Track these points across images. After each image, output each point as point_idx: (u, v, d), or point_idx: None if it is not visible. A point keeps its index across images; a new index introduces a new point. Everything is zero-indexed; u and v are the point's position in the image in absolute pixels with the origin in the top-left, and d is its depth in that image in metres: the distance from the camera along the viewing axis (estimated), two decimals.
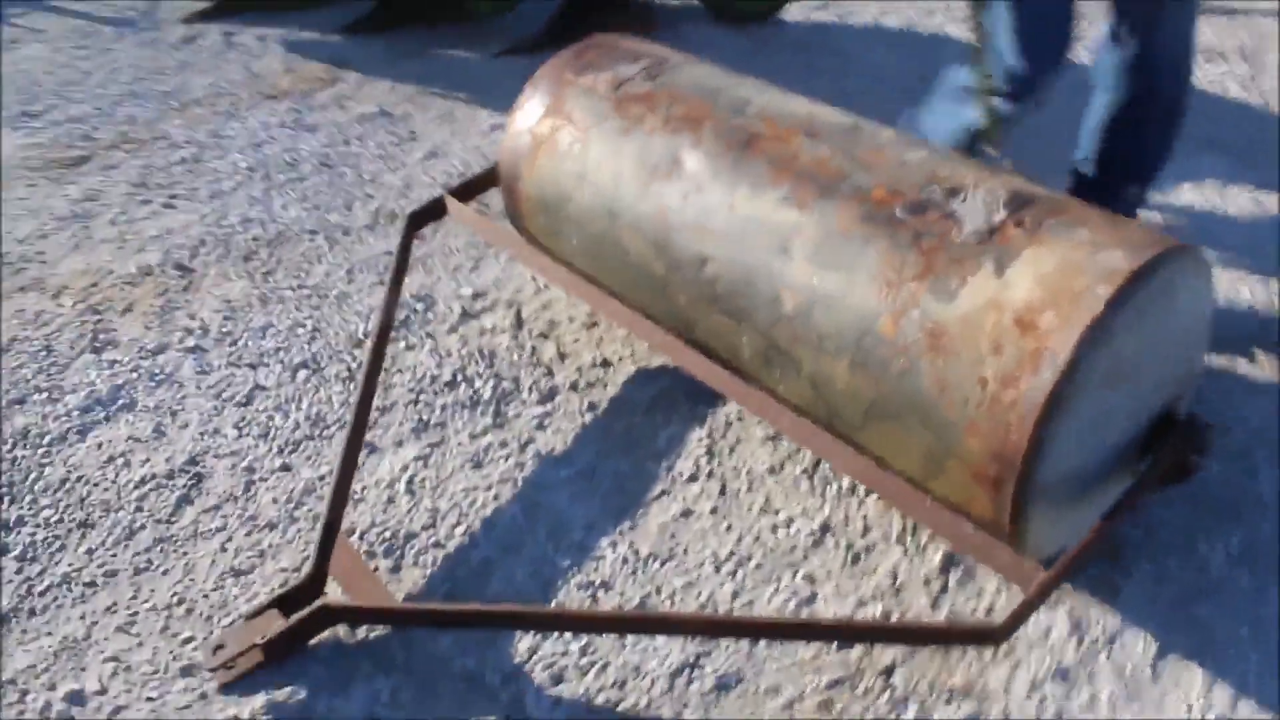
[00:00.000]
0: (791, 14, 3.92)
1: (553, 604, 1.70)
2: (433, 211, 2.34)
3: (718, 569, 1.76)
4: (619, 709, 1.54)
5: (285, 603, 1.62)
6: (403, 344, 2.28)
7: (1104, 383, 1.43)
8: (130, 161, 3.00)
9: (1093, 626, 1.66)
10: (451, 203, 2.31)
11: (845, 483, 1.90)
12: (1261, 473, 1.90)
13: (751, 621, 1.55)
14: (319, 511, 1.82)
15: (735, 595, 1.72)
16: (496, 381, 2.16)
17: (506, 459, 1.98)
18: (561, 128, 2.08)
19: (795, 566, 1.76)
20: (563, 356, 2.23)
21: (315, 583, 1.65)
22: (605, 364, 2.19)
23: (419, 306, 2.39)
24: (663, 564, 1.77)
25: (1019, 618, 1.41)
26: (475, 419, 2.07)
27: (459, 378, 2.17)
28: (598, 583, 1.74)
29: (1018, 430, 1.43)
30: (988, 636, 1.42)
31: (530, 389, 2.14)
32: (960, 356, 1.49)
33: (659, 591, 1.72)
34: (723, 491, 1.91)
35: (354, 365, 2.21)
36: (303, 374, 2.19)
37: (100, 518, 1.85)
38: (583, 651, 1.63)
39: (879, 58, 3.57)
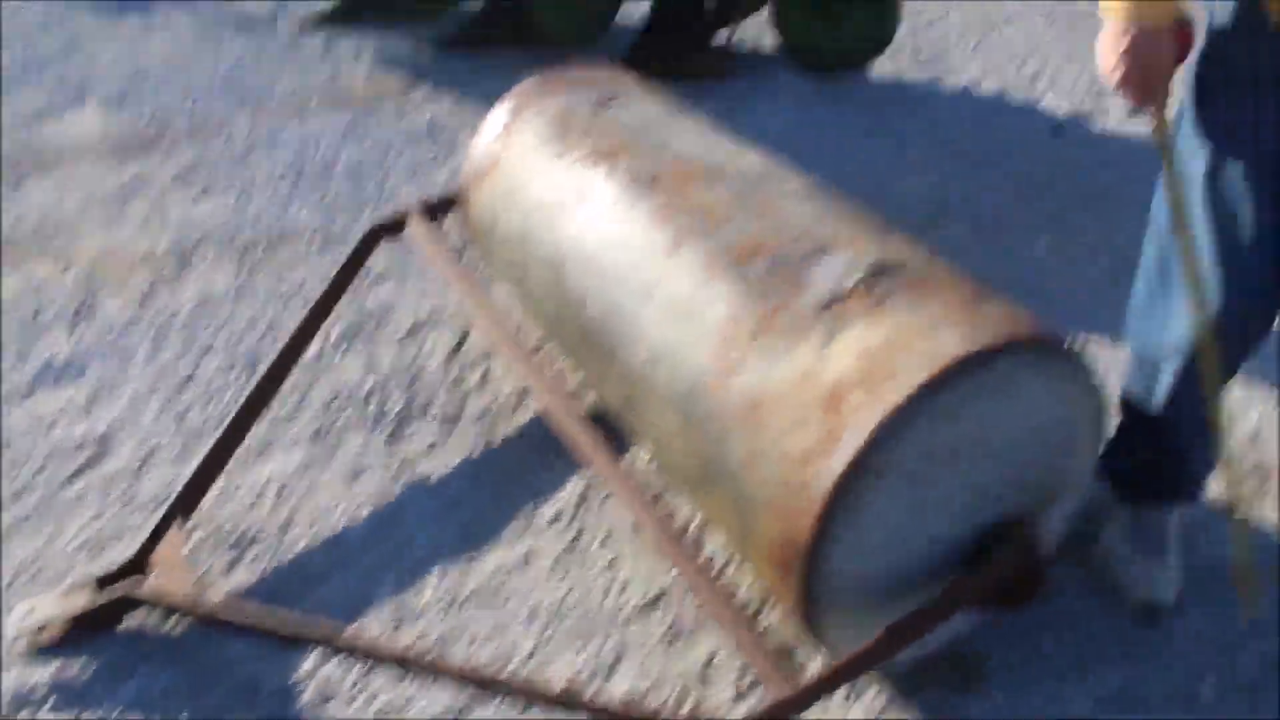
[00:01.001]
0: (883, 67, 3.79)
1: (354, 625, 1.70)
2: (395, 226, 2.40)
3: (531, 620, 1.72)
4: None
5: (103, 582, 1.70)
6: (340, 352, 2.34)
7: (911, 475, 1.31)
8: (187, 152, 3.24)
9: None
10: (413, 219, 2.37)
11: (710, 553, 1.82)
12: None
13: (491, 679, 1.48)
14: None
15: (533, 652, 1.67)
16: (408, 402, 2.19)
17: (382, 479, 2.00)
18: (504, 152, 2.10)
19: (610, 633, 1.70)
20: (484, 384, 2.24)
21: (135, 567, 1.72)
22: (523, 396, 2.18)
23: (375, 319, 2.46)
24: (479, 606, 1.75)
25: None
26: (371, 435, 2.11)
27: (374, 393, 2.22)
28: (409, 613, 1.74)
29: (806, 514, 1.34)
30: None
31: (435, 413, 2.16)
32: (769, 429, 1.41)
33: (462, 633, 1.70)
34: (575, 541, 1.86)
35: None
36: (237, 370, 2.29)
37: (3, 473, 1.99)
38: (359, 679, 1.62)
39: (957, 128, 3.38)
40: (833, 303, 1.44)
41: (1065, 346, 1.37)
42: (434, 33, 4.01)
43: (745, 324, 1.49)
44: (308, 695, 1.60)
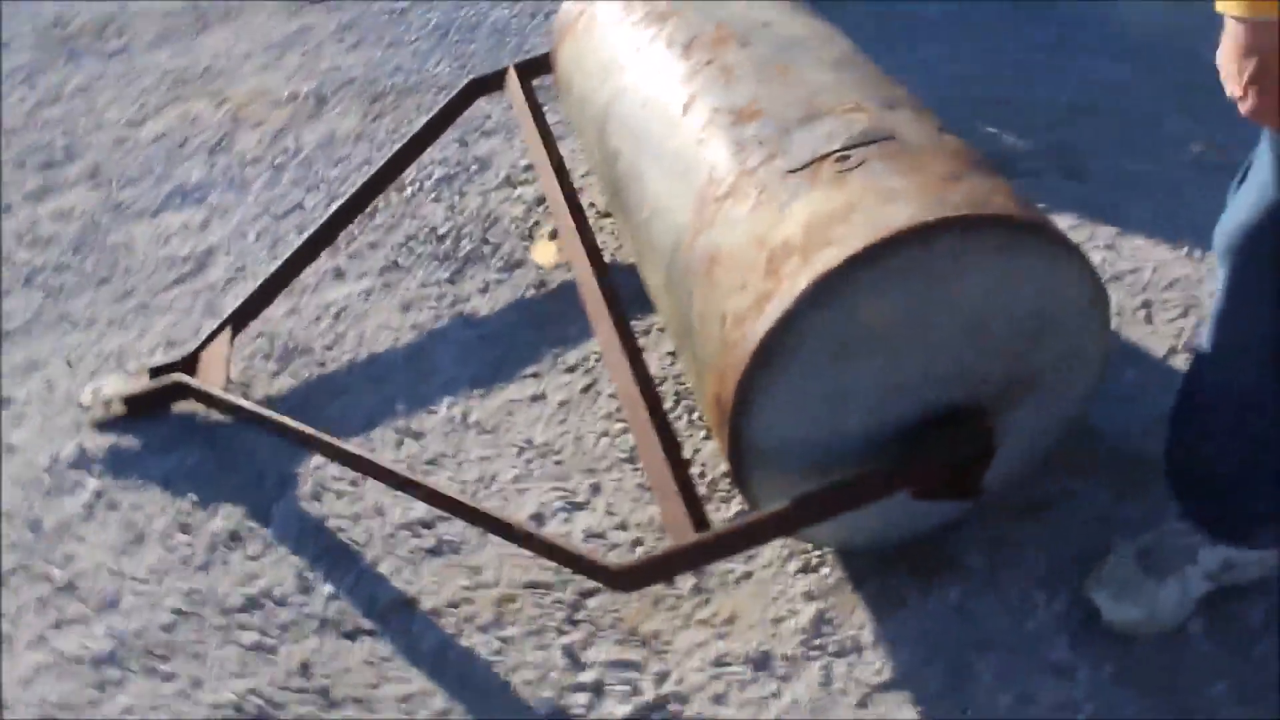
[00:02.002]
0: None
1: (360, 437, 1.84)
2: (493, 82, 2.47)
3: (520, 453, 1.80)
4: (339, 537, 1.67)
5: (155, 371, 1.92)
6: (432, 195, 2.47)
7: (841, 345, 1.26)
8: (352, 6, 3.43)
9: (838, 630, 1.49)
10: (511, 76, 2.43)
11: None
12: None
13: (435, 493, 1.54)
14: (264, 315, 2.09)
15: (514, 479, 1.75)
16: (479, 245, 2.29)
17: (433, 310, 2.12)
18: (583, 13, 2.12)
19: (591, 477, 1.75)
20: (553, 236, 2.30)
21: (188, 362, 1.93)
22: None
23: (474, 167, 2.56)
24: (479, 433, 1.84)
25: (644, 572, 1.33)
26: (435, 271, 2.23)
27: (450, 235, 2.33)
28: (413, 430, 1.85)
29: (733, 372, 1.33)
30: (607, 577, 1.35)
31: (500, 258, 2.24)
32: (719, 288, 1.39)
33: (454, 455, 1.80)
34: (586, 390, 1.91)
35: (383, 206, 2.43)
36: (338, 204, 2.46)
37: (117, 276, 2.27)
38: (352, 483, 1.76)
39: (1131, 23, 3.02)
40: (804, 168, 1.38)
41: (1038, 231, 1.24)
42: None
43: (723, 184, 1.45)
44: (304, 488, 1.75)
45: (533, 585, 1.58)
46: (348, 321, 2.12)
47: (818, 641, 1.47)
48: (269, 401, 1.94)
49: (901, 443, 1.34)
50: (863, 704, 1.39)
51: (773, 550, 1.59)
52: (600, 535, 1.65)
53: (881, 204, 1.26)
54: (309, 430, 1.64)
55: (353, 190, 2.18)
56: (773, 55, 1.64)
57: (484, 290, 2.17)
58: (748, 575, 1.57)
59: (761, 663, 1.45)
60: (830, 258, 1.22)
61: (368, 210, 2.40)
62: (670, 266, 1.53)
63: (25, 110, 2.97)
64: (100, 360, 2.07)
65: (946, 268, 1.24)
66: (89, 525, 1.73)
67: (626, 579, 1.34)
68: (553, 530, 1.66)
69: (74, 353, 2.09)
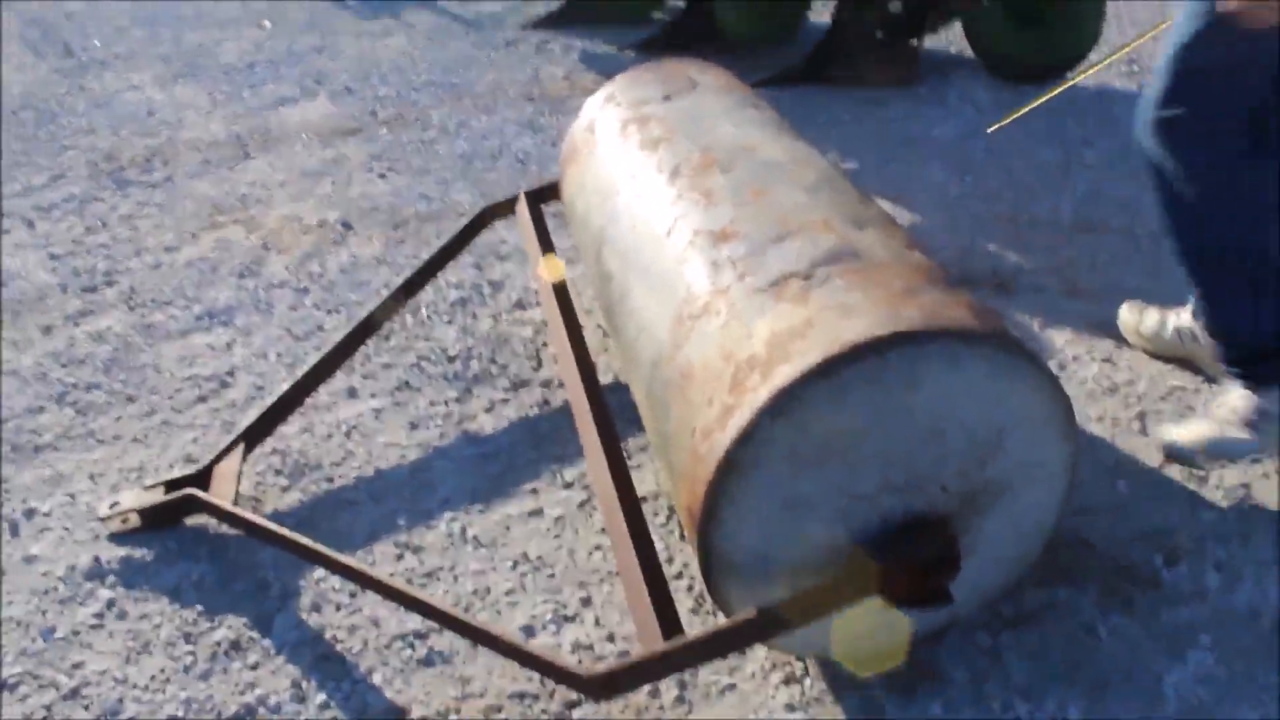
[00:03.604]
0: (1106, 76, 3.61)
1: (361, 550, 1.94)
2: (506, 207, 2.65)
3: (515, 566, 1.89)
4: (336, 647, 1.76)
5: (170, 486, 2.06)
6: (446, 317, 2.62)
7: (801, 456, 1.35)
8: (385, 137, 3.69)
9: None
10: (520, 202, 2.61)
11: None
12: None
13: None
14: (279, 431, 2.23)
15: (509, 592, 1.84)
16: (487, 365, 2.43)
17: (438, 429, 2.25)
18: (587, 140, 2.30)
19: (582, 590, 1.83)
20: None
21: (201, 476, 2.06)
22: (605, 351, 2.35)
23: (488, 290, 2.73)
24: (475, 548, 1.94)
25: (614, 679, 1.40)
26: (444, 391, 2.36)
27: (460, 356, 2.47)
28: (413, 545, 1.96)
29: (700, 484, 1.42)
30: (579, 684, 1.42)
31: (507, 378, 2.38)
32: (692, 402, 1.50)
33: (451, 569, 1.90)
34: (582, 505, 2.01)
35: (398, 328, 2.59)
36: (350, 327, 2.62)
37: (144, 394, 2.43)
38: (351, 595, 1.86)
39: None
40: (773, 285, 1.50)
41: (989, 342, 1.34)
42: (637, 36, 4.27)
43: (697, 301, 1.57)
44: (304, 600, 1.85)
45: (520, 695, 1.64)
46: (357, 439, 2.24)
47: None
48: (277, 515, 2.05)
49: (867, 550, 1.41)
50: None
51: (756, 661, 1.65)
52: (588, 647, 1.72)
53: (838, 319, 1.37)
54: (311, 545, 1.75)
55: (367, 313, 2.33)
56: (751, 179, 1.78)
57: (489, 409, 2.29)
58: (731, 686, 1.62)
59: None
60: (787, 373, 1.33)
61: (382, 333, 2.55)
62: (651, 381, 1.64)
63: (73, 237, 3.21)
64: (121, 475, 2.21)
65: (900, 379, 1.33)
66: (98, 634, 1.84)
67: (598, 686, 1.40)
68: (542, 641, 1.73)
69: (96, 468, 2.23)
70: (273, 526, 1.82)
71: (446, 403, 2.32)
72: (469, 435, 2.22)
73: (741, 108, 2.10)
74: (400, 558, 1.94)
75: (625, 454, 1.89)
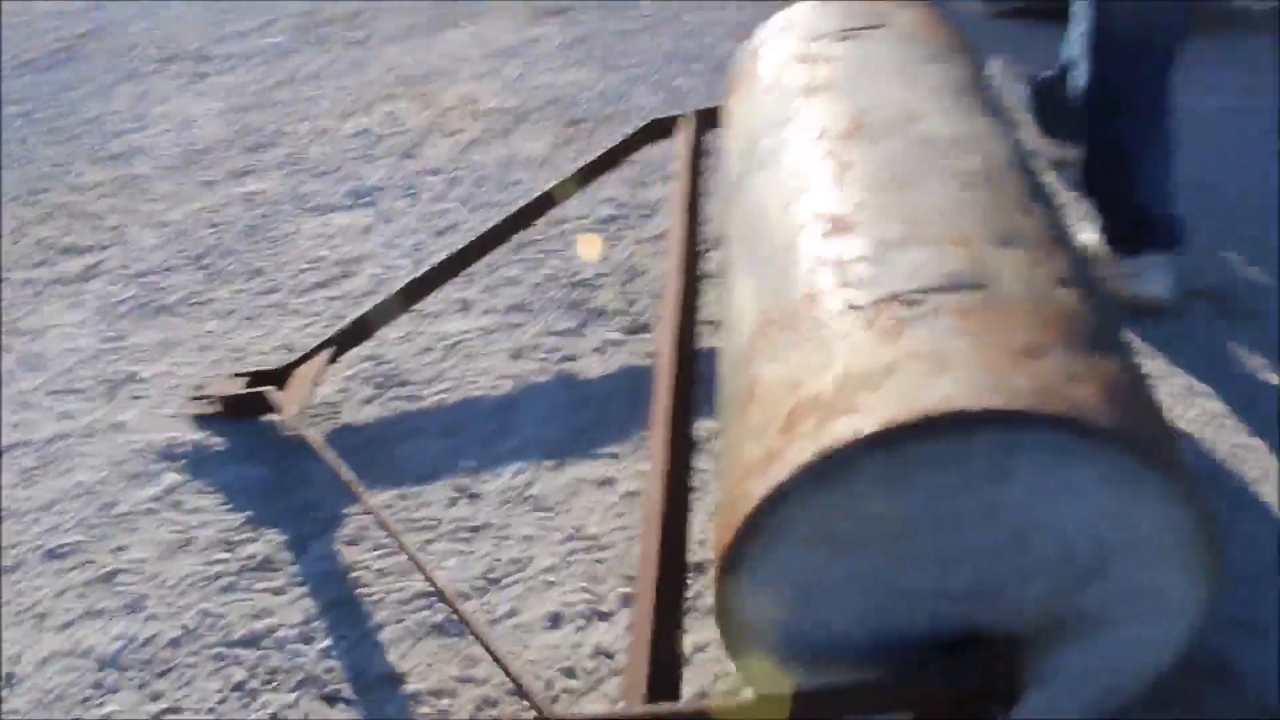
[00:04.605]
0: None
1: (419, 485, 1.84)
2: (666, 128, 2.42)
3: (565, 541, 1.74)
4: (358, 591, 1.68)
5: (256, 378, 2.02)
6: (587, 235, 2.45)
7: (839, 533, 1.11)
8: (589, 22, 3.49)
9: None
10: (685, 122, 2.37)
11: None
12: None
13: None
14: (380, 334, 2.15)
15: (548, 570, 1.69)
16: (612, 298, 2.25)
17: (540, 362, 2.10)
18: (749, 72, 2.04)
19: (625, 586, 1.66)
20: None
21: (280, 375, 2.01)
22: (714, 322, 2.13)
23: (637, 213, 2.53)
24: (532, 510, 1.79)
25: None
26: (558, 320, 2.20)
27: (586, 283, 2.30)
28: (471, 491, 1.84)
29: (725, 535, 1.20)
30: None
31: (626, 318, 2.19)
32: (746, 427, 1.27)
33: (500, 529, 1.77)
34: None
35: (539, 237, 2.44)
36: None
37: (270, 269, 2.41)
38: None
39: None
40: (874, 304, 1.22)
41: (1113, 441, 1.02)
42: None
43: (788, 304, 1.32)
44: (345, 530, 1.77)
45: (520, 694, 1.50)
46: (454, 360, 2.13)
47: None
48: (349, 429, 1.98)
49: (906, 657, 1.16)
50: None
51: None
52: (609, 655, 1.55)
53: (926, 372, 1.09)
54: (347, 474, 1.65)
55: (504, 217, 2.18)
56: (899, 159, 1.47)
57: (599, 349, 2.12)
58: None
59: None
60: (841, 431, 1.07)
61: (522, 237, 2.40)
62: (726, 382, 1.41)
63: (257, 90, 3.23)
64: (225, 353, 2.19)
65: (985, 468, 1.04)
66: (149, 520, 1.84)
67: None
68: (563, 637, 1.58)
69: (205, 340, 2.23)
70: (317, 448, 1.73)
71: (558, 334, 2.16)
72: (568, 377, 2.05)
73: (925, 62, 1.75)
74: (453, 503, 1.82)
75: (694, 444, 1.68)
